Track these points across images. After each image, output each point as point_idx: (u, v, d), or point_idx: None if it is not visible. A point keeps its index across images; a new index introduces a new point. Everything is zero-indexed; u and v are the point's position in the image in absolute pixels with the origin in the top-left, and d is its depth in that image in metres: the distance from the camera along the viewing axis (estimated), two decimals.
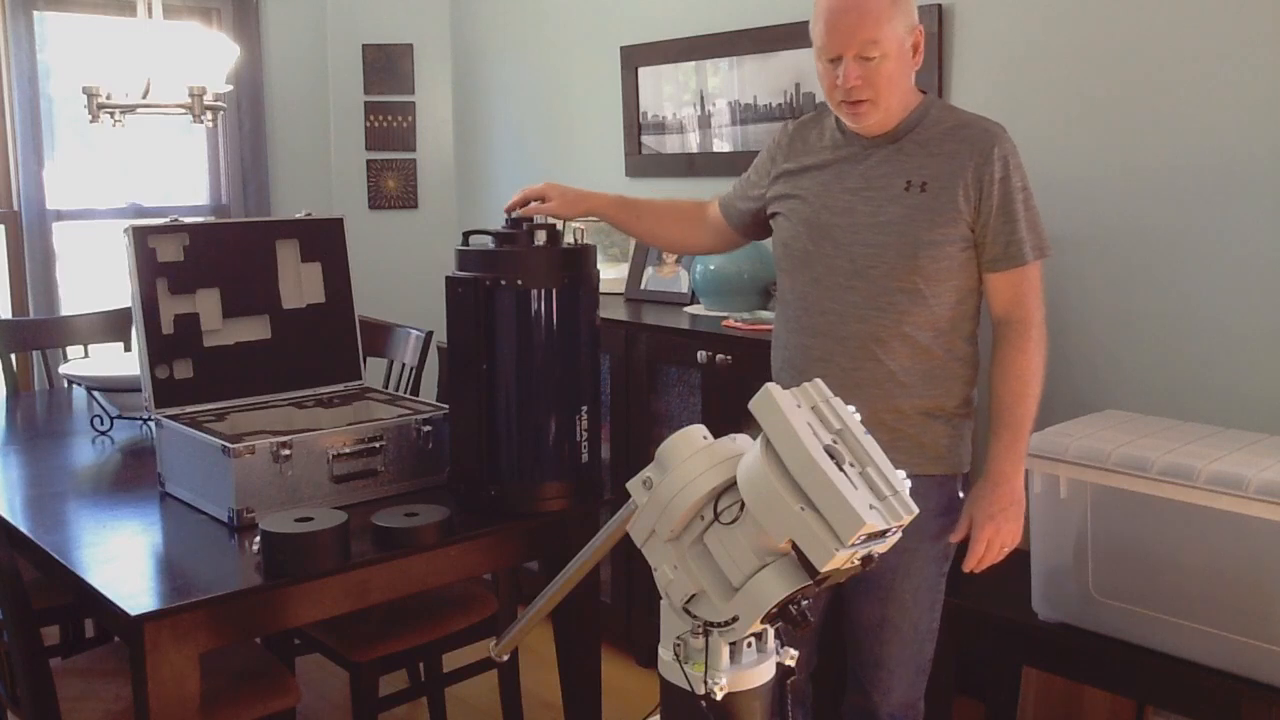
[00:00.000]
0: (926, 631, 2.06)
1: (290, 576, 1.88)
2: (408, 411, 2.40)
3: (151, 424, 2.44)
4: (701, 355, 2.96)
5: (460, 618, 2.55)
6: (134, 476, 2.46)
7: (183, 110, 3.05)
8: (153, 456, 2.37)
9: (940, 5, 2.89)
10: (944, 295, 1.94)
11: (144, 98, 3.00)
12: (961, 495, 2.03)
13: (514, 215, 2.21)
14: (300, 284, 2.60)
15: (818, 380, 1.18)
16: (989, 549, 1.94)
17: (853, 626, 2.09)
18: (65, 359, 3.54)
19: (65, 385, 3.33)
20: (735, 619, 1.14)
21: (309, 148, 4.47)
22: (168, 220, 2.50)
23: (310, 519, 1.94)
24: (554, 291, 2.13)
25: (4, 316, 3.84)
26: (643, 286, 3.61)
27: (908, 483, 1.12)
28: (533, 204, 2.22)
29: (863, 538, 1.05)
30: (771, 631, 1.22)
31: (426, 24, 4.49)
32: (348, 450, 2.22)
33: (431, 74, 4.51)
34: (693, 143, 3.62)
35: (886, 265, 1.93)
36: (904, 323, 1.94)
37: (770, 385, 1.12)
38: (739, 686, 1.19)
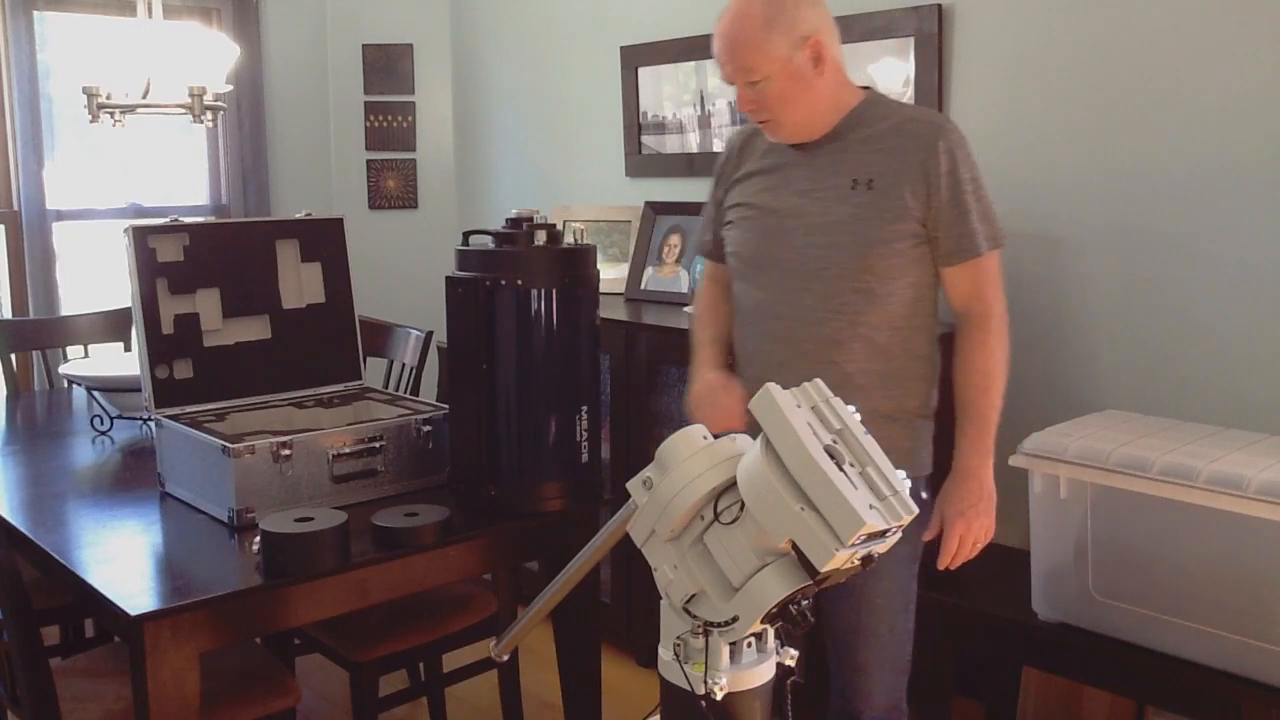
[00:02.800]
0: (903, 632, 2.04)
1: (290, 576, 1.88)
2: (408, 411, 2.40)
3: (151, 424, 2.44)
4: None
5: (460, 618, 2.55)
6: (134, 476, 2.46)
7: (183, 110, 3.05)
8: (153, 456, 2.37)
9: (940, 5, 2.89)
10: (898, 292, 1.92)
11: (144, 98, 3.00)
12: (925, 496, 2.01)
13: (513, 215, 2.21)
14: (300, 284, 2.60)
15: (818, 380, 1.18)
16: (961, 545, 1.93)
17: (829, 633, 2.06)
18: (65, 359, 3.54)
19: (65, 385, 3.33)
20: (735, 619, 1.14)
21: (309, 148, 4.47)
22: (168, 220, 2.50)
23: (310, 519, 1.94)
24: (554, 291, 2.13)
25: (4, 316, 3.84)
26: (643, 286, 3.61)
27: (908, 483, 1.12)
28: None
29: (863, 538, 1.05)
30: (771, 631, 1.22)
31: (426, 24, 4.49)
32: (348, 450, 2.22)
33: (431, 74, 4.51)
34: (693, 143, 3.62)
35: (839, 266, 1.91)
36: (859, 323, 1.92)
37: (770, 385, 1.12)
38: (739, 686, 1.19)
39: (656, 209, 3.63)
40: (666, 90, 3.69)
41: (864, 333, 1.92)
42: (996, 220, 1.94)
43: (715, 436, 1.20)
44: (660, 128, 3.72)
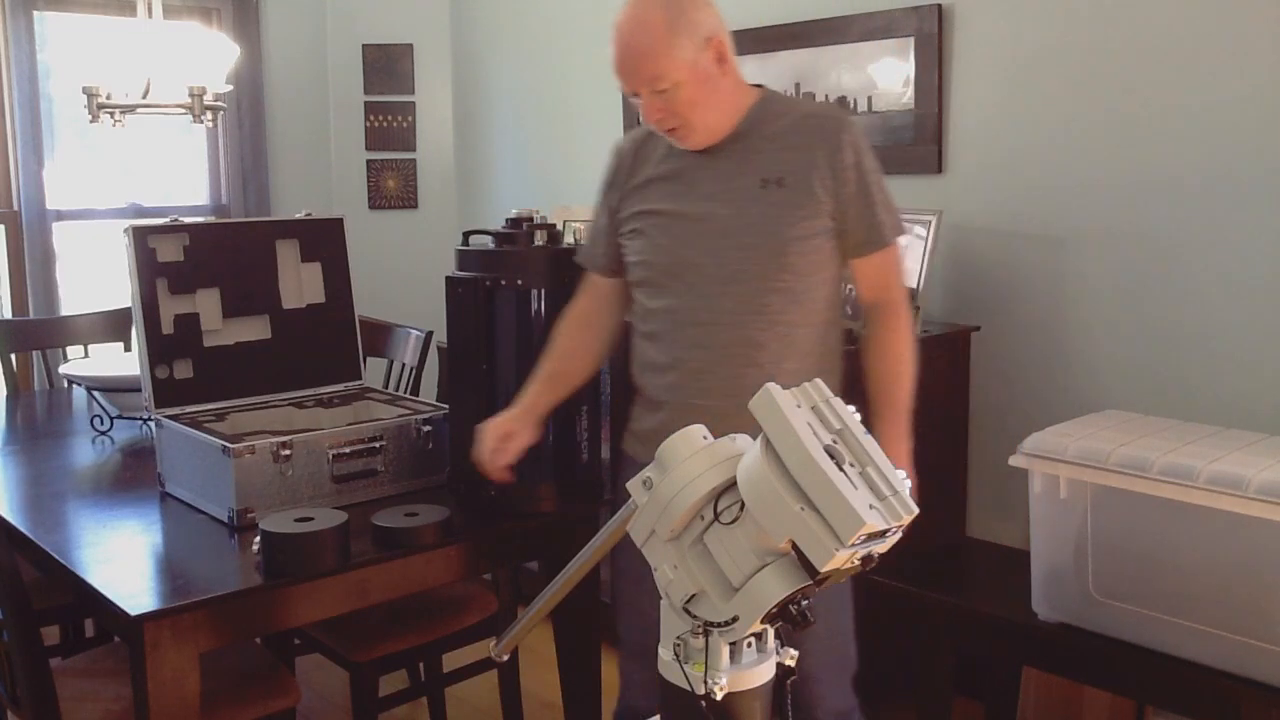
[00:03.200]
0: (843, 632, 2.02)
1: (290, 576, 1.88)
2: (408, 411, 2.40)
3: (151, 424, 2.44)
4: None
5: (460, 618, 2.55)
6: (134, 476, 2.46)
7: (183, 110, 3.05)
8: (153, 456, 2.37)
9: (940, 5, 2.89)
10: (815, 289, 1.92)
11: (144, 98, 3.00)
12: None
13: (513, 215, 2.21)
14: (300, 284, 2.60)
15: (818, 380, 1.17)
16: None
17: None
18: (65, 359, 3.54)
19: (65, 385, 3.33)
20: (735, 619, 1.14)
21: (309, 148, 4.47)
22: (168, 220, 2.50)
23: (310, 519, 1.94)
24: (554, 291, 2.13)
25: (4, 316, 3.84)
26: None
27: (908, 482, 1.12)
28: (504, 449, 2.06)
29: (863, 538, 1.05)
30: (771, 631, 1.22)
31: (426, 24, 4.49)
32: (348, 450, 2.22)
33: (431, 74, 4.51)
34: None
35: (758, 266, 1.89)
36: (779, 323, 1.90)
37: (770, 385, 1.12)
38: (739, 686, 1.19)
39: None
40: None
41: (783, 332, 1.91)
42: (897, 210, 1.96)
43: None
44: None
